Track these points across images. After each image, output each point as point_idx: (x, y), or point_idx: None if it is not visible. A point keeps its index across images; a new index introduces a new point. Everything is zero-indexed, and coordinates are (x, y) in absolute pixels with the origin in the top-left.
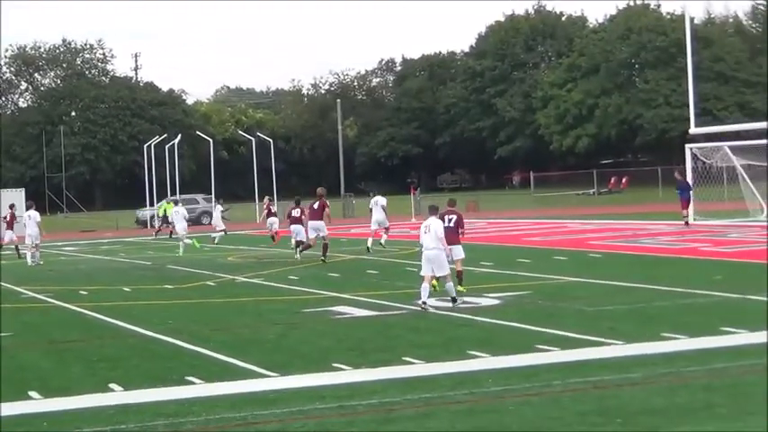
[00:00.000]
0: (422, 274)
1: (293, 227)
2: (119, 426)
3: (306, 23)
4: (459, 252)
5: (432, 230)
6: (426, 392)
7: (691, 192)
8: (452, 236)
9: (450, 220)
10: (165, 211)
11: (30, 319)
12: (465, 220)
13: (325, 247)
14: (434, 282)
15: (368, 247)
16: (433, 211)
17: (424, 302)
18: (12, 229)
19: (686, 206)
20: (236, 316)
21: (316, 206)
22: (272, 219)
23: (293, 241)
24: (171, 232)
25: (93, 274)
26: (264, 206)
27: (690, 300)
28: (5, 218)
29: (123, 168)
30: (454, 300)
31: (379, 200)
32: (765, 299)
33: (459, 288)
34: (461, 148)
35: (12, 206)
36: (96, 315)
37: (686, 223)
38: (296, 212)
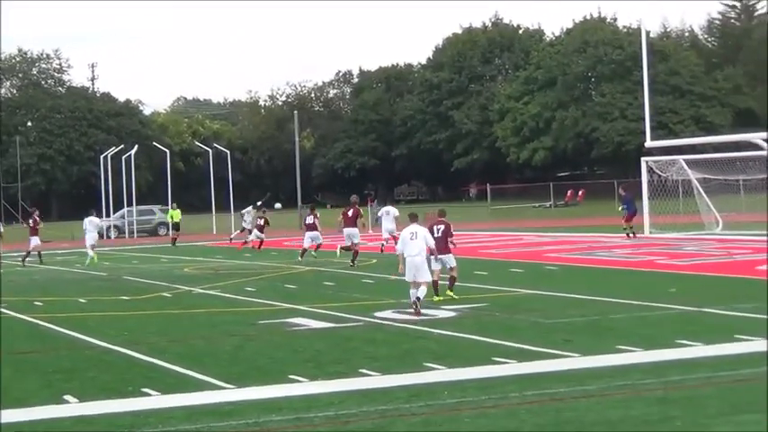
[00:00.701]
0: (407, 280)
1: (309, 233)
2: None
3: (263, 35)
4: (451, 260)
5: (420, 237)
6: (383, 404)
7: (635, 206)
8: (442, 245)
9: (438, 230)
10: (172, 217)
11: None
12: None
13: (355, 253)
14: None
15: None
16: (414, 218)
17: (417, 302)
18: (37, 235)
19: (631, 219)
20: (192, 327)
21: (350, 213)
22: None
23: (306, 246)
24: (174, 240)
25: (49, 285)
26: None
27: (645, 312)
28: (30, 224)
29: (79, 179)
30: (416, 305)
31: (391, 210)
32: (722, 312)
33: (450, 293)
34: (418, 159)
35: (33, 211)
36: (52, 326)
37: (629, 236)
38: (310, 219)
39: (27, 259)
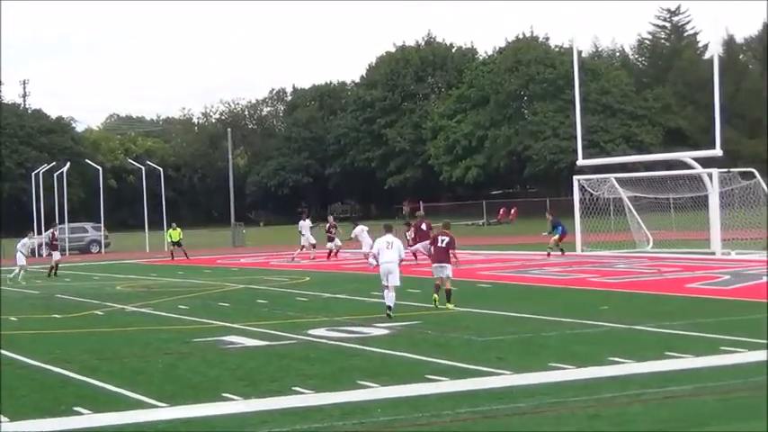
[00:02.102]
0: (384, 283)
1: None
2: None
3: (196, 52)
4: (448, 271)
5: (395, 247)
6: (316, 422)
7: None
8: (444, 255)
9: (443, 242)
10: (171, 236)
11: None
12: (355, 250)
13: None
14: (435, 296)
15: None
16: (389, 229)
17: (390, 310)
18: (57, 249)
19: (562, 239)
20: (124, 345)
21: (423, 227)
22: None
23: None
24: (171, 253)
25: None
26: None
27: (578, 330)
28: (49, 240)
29: (10, 196)
30: (389, 308)
31: (365, 228)
32: (653, 329)
33: (449, 305)
34: (351, 177)
35: (54, 225)
36: None
37: (550, 254)
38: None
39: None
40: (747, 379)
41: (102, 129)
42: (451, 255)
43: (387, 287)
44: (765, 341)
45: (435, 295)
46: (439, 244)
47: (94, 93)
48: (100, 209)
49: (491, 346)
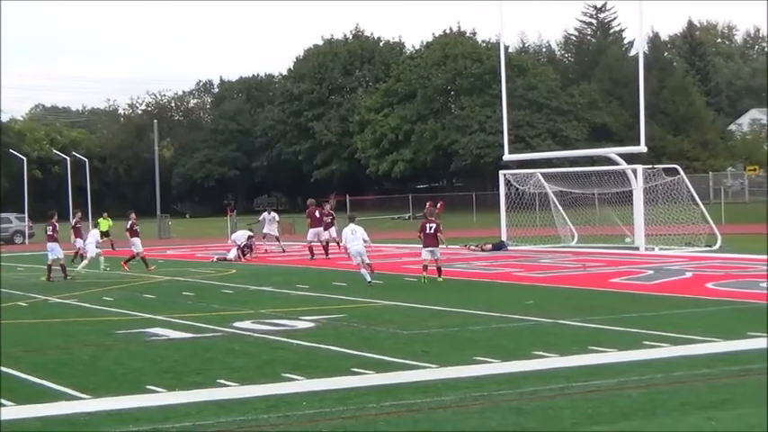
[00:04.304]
0: (355, 263)
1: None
2: None
3: (123, 43)
4: (437, 253)
5: (359, 233)
6: (241, 415)
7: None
8: (432, 239)
9: (431, 228)
10: (100, 225)
11: None
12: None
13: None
14: (425, 275)
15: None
16: (352, 219)
17: (370, 282)
18: (80, 237)
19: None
20: (48, 337)
21: (317, 214)
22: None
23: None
24: (111, 244)
25: None
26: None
27: (502, 324)
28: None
29: None
30: (370, 283)
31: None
32: (577, 323)
33: (440, 279)
34: (278, 170)
35: (76, 213)
36: None
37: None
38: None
39: None
40: (670, 373)
41: (26, 119)
42: (439, 237)
43: (365, 265)
44: (687, 336)
45: (425, 274)
46: (427, 231)
47: (19, 83)
48: (24, 199)
49: (416, 340)
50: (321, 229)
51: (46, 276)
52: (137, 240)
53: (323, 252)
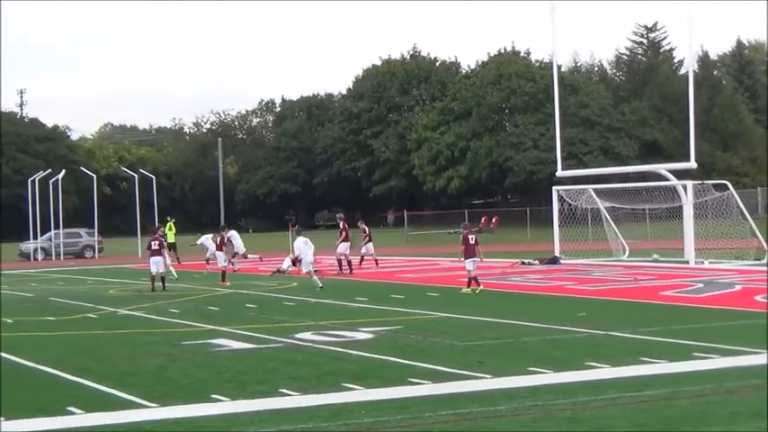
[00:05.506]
0: (305, 270)
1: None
2: None
3: (189, 63)
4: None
5: (309, 245)
6: (302, 423)
7: None
8: (473, 251)
9: (472, 239)
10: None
11: None
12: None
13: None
14: (479, 287)
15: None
16: (299, 232)
17: (321, 287)
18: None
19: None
20: (116, 348)
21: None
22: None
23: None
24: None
25: None
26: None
27: (556, 335)
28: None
29: (7, 202)
30: (321, 288)
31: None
32: (629, 335)
33: (475, 289)
34: (338, 186)
35: (158, 228)
36: None
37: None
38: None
39: None
40: (720, 384)
41: (96, 137)
42: (477, 250)
43: (311, 274)
44: (736, 347)
45: (481, 287)
46: (470, 242)
47: (89, 102)
48: (94, 215)
49: (472, 351)
50: (349, 243)
51: (150, 287)
52: (220, 255)
53: (347, 266)
